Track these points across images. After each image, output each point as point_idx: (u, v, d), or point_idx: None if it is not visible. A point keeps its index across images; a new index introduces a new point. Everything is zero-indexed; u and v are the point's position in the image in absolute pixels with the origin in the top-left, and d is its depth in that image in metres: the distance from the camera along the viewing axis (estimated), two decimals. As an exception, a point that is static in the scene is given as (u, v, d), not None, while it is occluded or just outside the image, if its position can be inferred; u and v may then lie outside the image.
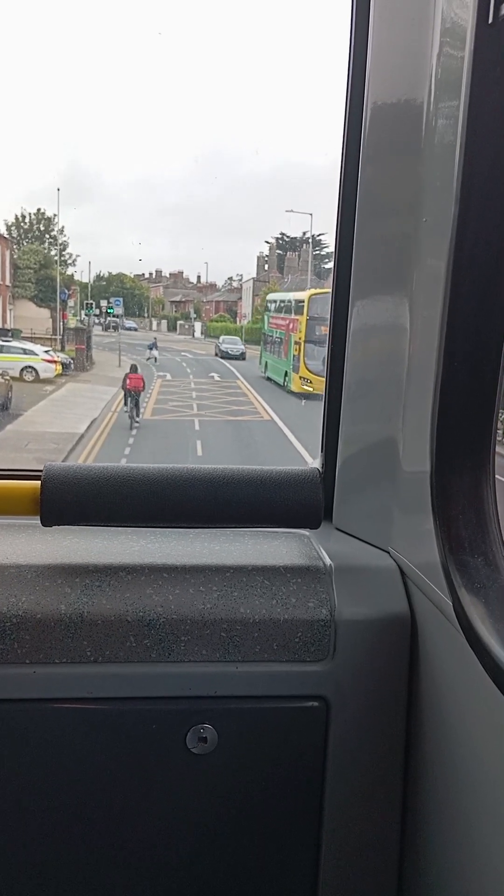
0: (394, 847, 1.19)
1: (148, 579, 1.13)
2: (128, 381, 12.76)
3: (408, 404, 1.14)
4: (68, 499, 1.13)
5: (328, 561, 1.21)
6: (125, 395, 13.03)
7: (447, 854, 1.05)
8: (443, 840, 1.06)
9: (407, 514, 1.18)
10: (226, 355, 25.72)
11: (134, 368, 13.78)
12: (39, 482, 1.14)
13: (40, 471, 1.16)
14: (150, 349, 24.84)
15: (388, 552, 1.25)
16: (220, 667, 1.11)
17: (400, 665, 1.15)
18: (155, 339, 28.07)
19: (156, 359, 24.48)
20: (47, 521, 1.15)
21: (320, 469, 1.36)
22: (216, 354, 26.54)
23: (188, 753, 1.12)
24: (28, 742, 1.11)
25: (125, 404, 13.16)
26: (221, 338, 27.69)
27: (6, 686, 1.09)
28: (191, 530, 1.31)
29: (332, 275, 1.37)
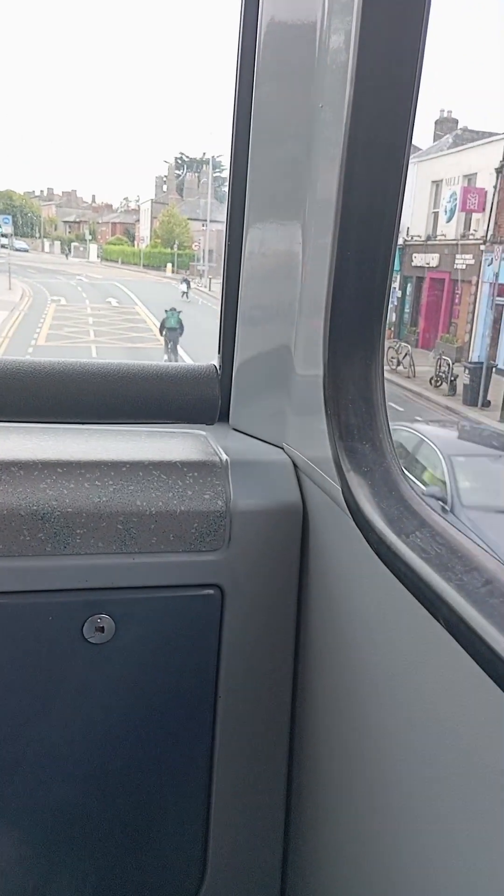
0: (285, 721, 1.27)
1: (41, 474, 1.12)
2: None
3: (301, 313, 1.16)
4: None
5: (224, 456, 1.23)
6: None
7: (336, 724, 1.13)
8: (332, 710, 1.14)
9: (300, 416, 1.21)
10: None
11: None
12: None
13: None
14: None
15: (283, 448, 1.28)
16: (116, 558, 1.12)
17: (292, 551, 1.20)
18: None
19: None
20: None
21: (217, 367, 1.36)
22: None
23: (85, 643, 1.13)
24: None
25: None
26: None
27: None
28: (86, 429, 1.29)
29: (226, 197, 1.36)
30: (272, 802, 1.29)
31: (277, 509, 1.18)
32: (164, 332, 18.95)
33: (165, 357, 17.95)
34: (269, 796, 1.29)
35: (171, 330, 18.52)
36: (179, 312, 18.69)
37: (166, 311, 18.77)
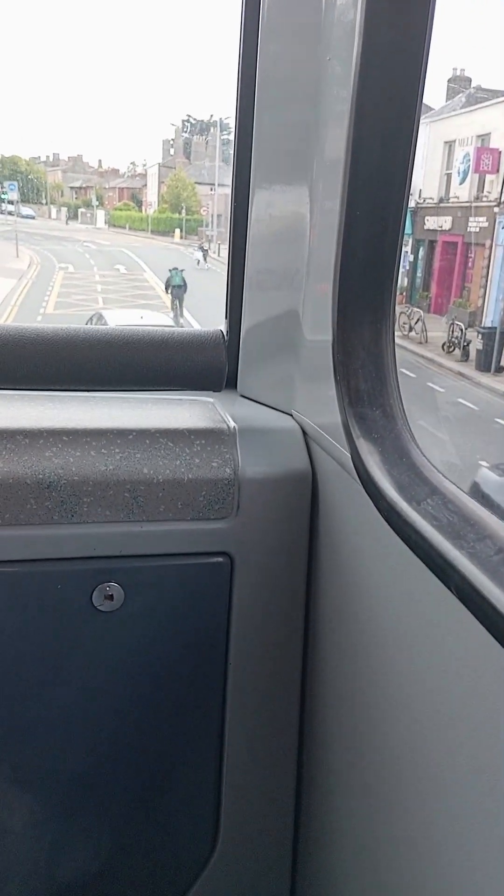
0: (295, 688, 1.28)
1: (47, 442, 1.11)
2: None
3: (310, 276, 1.14)
4: None
5: (232, 423, 1.21)
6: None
7: (346, 691, 1.13)
8: (342, 677, 1.14)
9: (309, 382, 1.19)
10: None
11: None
12: None
13: None
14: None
15: (291, 415, 1.26)
16: (124, 527, 1.12)
17: (301, 518, 1.19)
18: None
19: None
20: None
21: (224, 333, 1.34)
22: None
23: (94, 611, 1.14)
24: None
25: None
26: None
27: None
28: (91, 396, 1.28)
29: (232, 159, 1.32)
30: (283, 768, 1.30)
31: (286, 477, 1.17)
32: (169, 290, 20.07)
33: (172, 314, 18.68)
34: (280, 762, 1.30)
35: (177, 287, 19.49)
36: (182, 271, 19.53)
37: (170, 270, 19.77)
